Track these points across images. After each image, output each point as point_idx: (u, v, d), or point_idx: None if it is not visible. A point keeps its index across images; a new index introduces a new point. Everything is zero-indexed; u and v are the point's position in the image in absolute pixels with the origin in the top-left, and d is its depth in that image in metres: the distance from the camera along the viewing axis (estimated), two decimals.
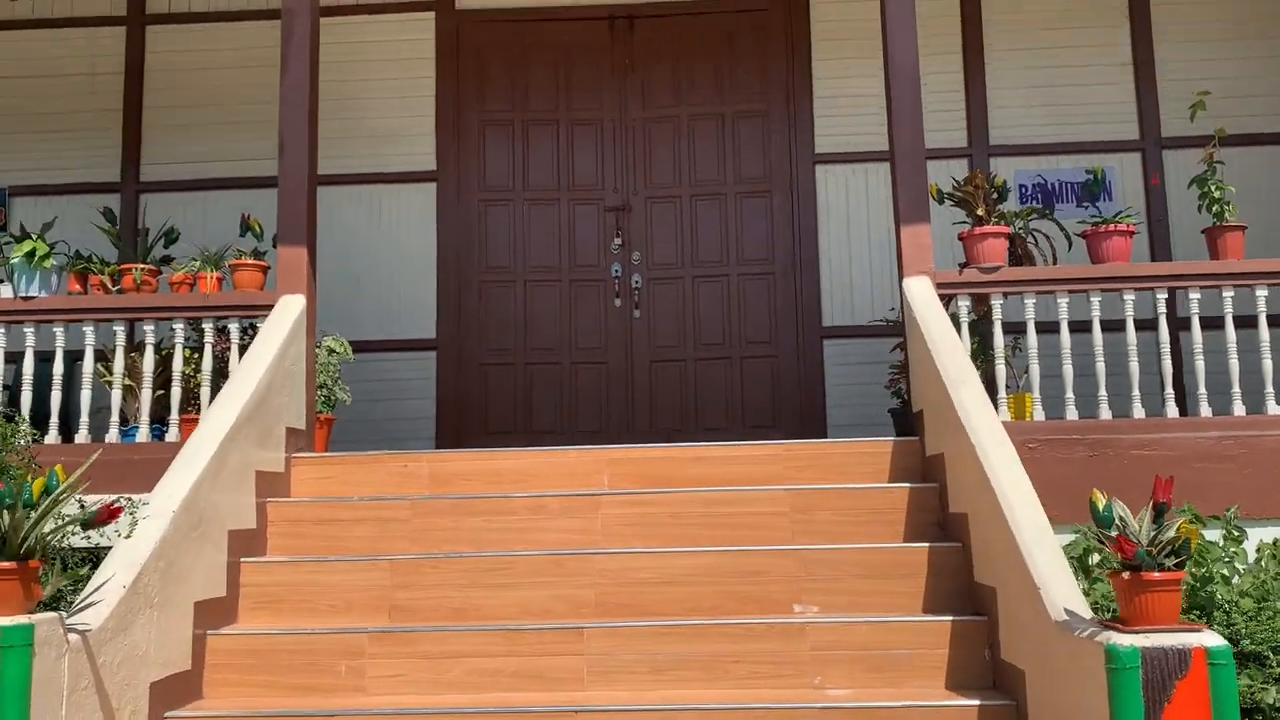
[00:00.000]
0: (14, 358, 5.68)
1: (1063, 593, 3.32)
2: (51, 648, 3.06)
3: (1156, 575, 2.84)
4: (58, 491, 3.15)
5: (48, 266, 5.46)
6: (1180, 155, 7.19)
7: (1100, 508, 2.96)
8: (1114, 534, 2.88)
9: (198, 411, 5.51)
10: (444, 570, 4.41)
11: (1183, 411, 5.36)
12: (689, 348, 7.31)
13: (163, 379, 5.58)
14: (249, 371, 4.76)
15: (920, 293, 5.11)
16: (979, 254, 5.27)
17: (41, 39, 7.73)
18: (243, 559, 4.45)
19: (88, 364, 5.39)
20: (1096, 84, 7.34)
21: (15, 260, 5.46)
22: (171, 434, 5.35)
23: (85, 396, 5.36)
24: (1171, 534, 2.88)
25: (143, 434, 5.35)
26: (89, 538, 3.34)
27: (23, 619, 2.98)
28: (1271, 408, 5.12)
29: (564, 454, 5.11)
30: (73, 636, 3.18)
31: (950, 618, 4.03)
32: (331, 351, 5.59)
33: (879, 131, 7.21)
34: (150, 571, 3.65)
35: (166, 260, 5.82)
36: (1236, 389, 5.13)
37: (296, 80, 5.56)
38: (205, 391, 5.36)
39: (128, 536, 3.65)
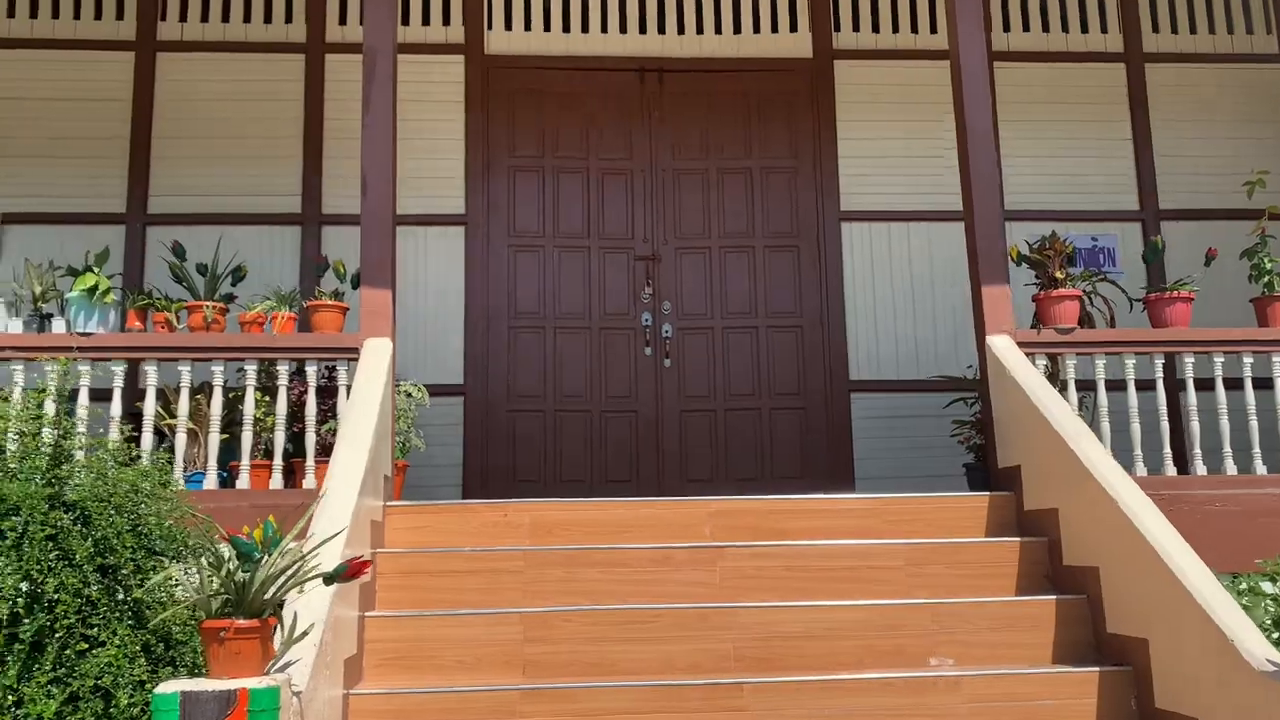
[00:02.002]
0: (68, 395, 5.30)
1: (1257, 642, 3.47)
2: (287, 712, 2.87)
3: None
4: (284, 543, 2.97)
5: (109, 302, 5.15)
6: (1176, 227, 7.66)
7: None
8: None
9: (266, 457, 5.26)
10: (576, 623, 4.30)
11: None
12: (719, 398, 7.35)
13: (225, 423, 5.29)
14: (363, 417, 4.58)
15: (1007, 350, 5.29)
16: (1055, 315, 5.50)
17: (45, 60, 7.32)
18: (365, 614, 4.25)
19: (149, 405, 5.08)
20: (1101, 157, 7.76)
21: (73, 295, 5.13)
22: (242, 480, 5.08)
23: (147, 440, 5.05)
24: None
25: (210, 480, 5.06)
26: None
27: (269, 681, 2.79)
28: None
29: (662, 505, 5.07)
30: (294, 700, 2.99)
31: (1095, 668, 4.15)
32: (409, 395, 5.42)
33: (903, 191, 7.56)
34: (328, 629, 3.46)
35: (229, 298, 5.55)
36: None
37: (379, 120, 5.44)
38: (279, 436, 5.12)
39: (300, 592, 3.44)
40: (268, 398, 5.28)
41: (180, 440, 5.09)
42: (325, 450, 5.27)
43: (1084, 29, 7.95)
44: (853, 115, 7.69)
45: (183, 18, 7.50)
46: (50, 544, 2.94)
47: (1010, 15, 7.90)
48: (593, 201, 7.53)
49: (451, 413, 7.15)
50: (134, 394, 5.52)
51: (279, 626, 2.95)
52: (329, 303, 5.29)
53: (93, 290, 5.06)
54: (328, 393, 5.31)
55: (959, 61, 5.72)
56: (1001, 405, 5.29)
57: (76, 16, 7.44)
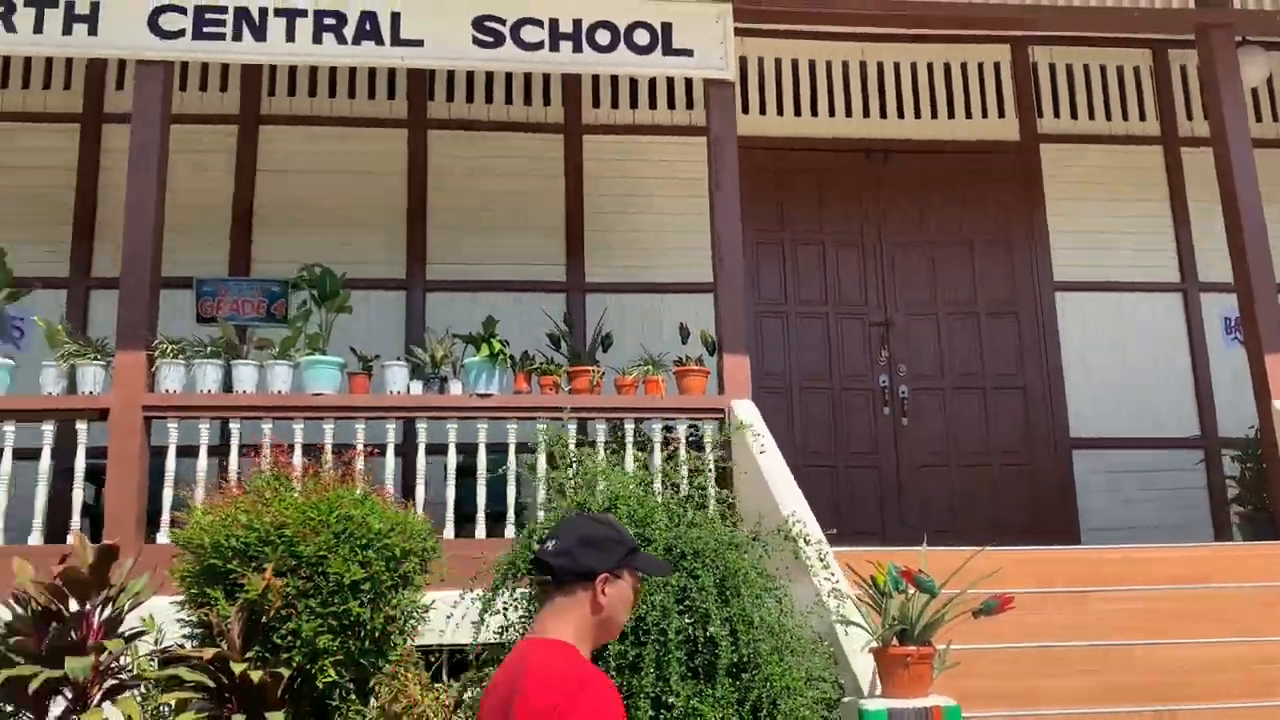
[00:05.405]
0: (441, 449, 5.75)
1: None
2: None
3: None
4: (938, 581, 3.45)
5: (506, 365, 5.63)
6: None
7: None
8: None
9: None
10: (998, 659, 4.79)
11: None
12: (952, 455, 7.89)
13: None
14: (780, 467, 5.10)
15: None
16: None
17: (329, 136, 7.84)
18: None
19: (541, 462, 5.52)
20: None
21: (474, 360, 5.60)
22: None
23: (541, 493, 5.49)
24: None
25: None
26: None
27: (952, 700, 3.27)
28: None
29: (1002, 555, 5.57)
30: None
31: None
32: None
33: (1113, 264, 8.22)
34: None
35: (594, 361, 6.04)
36: None
37: (728, 202, 6.00)
38: (656, 487, 5.58)
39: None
40: (642, 453, 5.75)
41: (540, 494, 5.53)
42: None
43: None
44: (1060, 194, 8.36)
45: (449, 98, 8.06)
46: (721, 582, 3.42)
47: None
48: (829, 271, 8.12)
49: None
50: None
51: (935, 654, 3.43)
52: (696, 368, 5.80)
53: (493, 355, 5.53)
54: (692, 448, 5.80)
55: (1227, 146, 6.40)
56: None
57: (351, 96, 7.97)
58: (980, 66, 8.55)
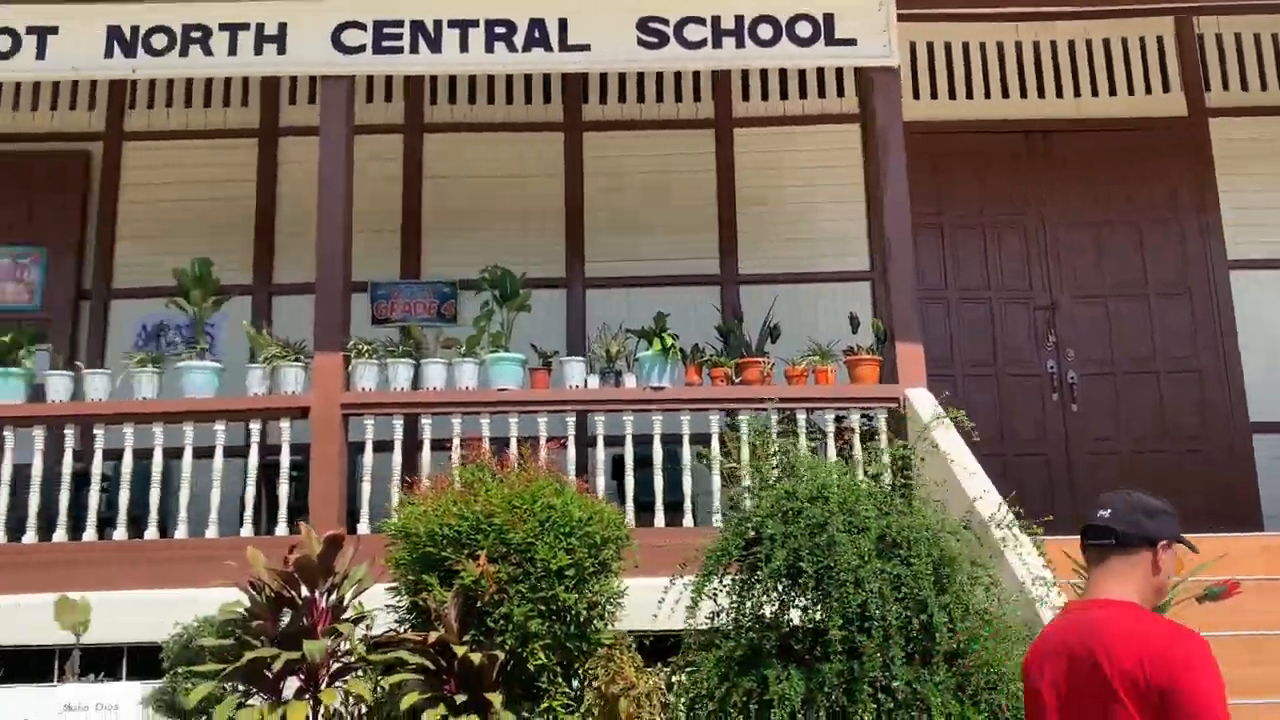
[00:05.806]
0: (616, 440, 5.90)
1: None
2: None
3: None
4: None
5: (677, 359, 5.74)
6: None
7: None
8: None
9: None
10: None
11: None
12: (1123, 441, 7.68)
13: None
14: (970, 458, 5.06)
15: None
16: None
17: (488, 142, 8.08)
18: None
19: (715, 448, 5.62)
20: None
21: (648, 354, 5.73)
22: None
23: (716, 482, 5.58)
24: None
25: None
26: None
27: None
28: None
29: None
30: None
31: None
32: None
33: None
34: None
35: (762, 353, 6.10)
36: None
37: (896, 189, 5.97)
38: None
39: None
40: (812, 443, 5.78)
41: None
42: None
43: None
44: (1232, 169, 8.03)
45: (602, 99, 8.22)
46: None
47: None
48: (990, 255, 7.98)
49: None
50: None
51: None
52: (868, 357, 5.80)
53: (665, 349, 5.65)
54: (865, 437, 5.80)
55: None
56: None
57: (509, 101, 8.20)
58: (1142, 41, 8.28)
